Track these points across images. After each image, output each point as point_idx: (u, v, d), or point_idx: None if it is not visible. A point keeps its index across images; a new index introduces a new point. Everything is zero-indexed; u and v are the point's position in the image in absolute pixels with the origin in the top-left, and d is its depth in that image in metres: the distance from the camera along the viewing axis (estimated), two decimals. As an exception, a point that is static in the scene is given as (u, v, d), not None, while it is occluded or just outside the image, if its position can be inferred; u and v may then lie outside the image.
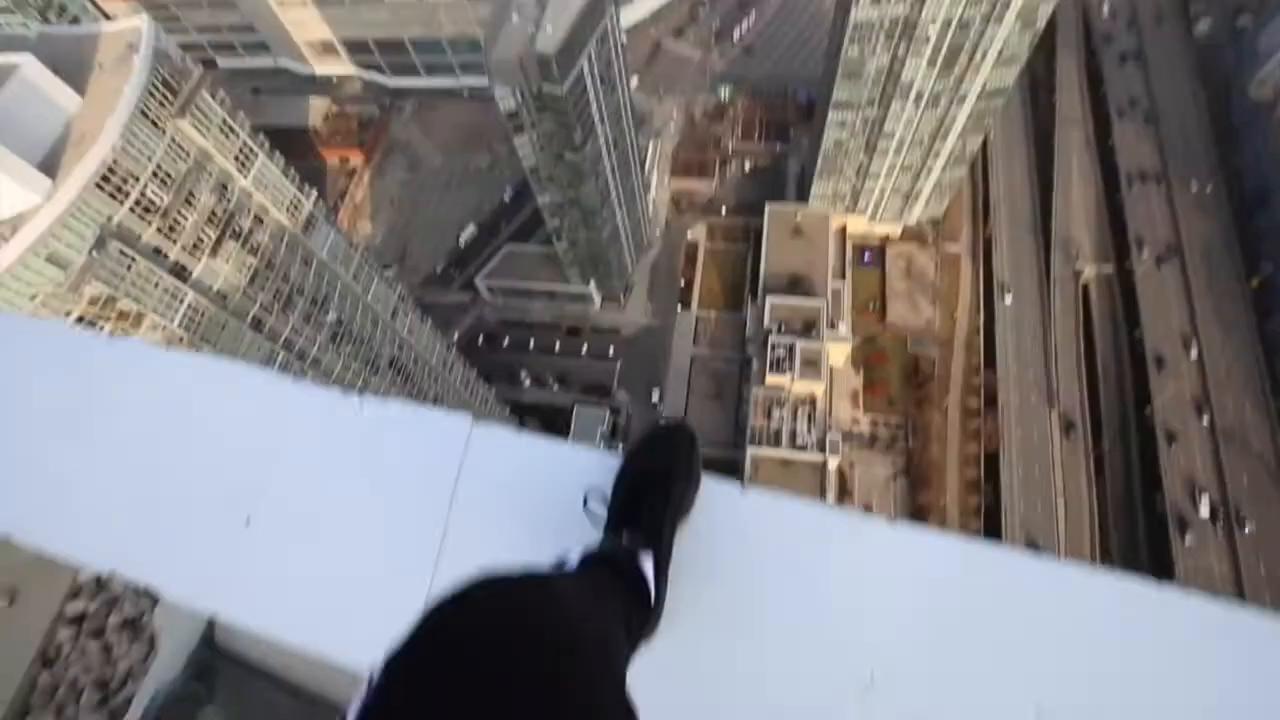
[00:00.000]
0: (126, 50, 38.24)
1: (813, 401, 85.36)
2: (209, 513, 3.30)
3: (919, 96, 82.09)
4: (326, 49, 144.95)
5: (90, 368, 3.74)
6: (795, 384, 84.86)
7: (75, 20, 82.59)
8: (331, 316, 54.97)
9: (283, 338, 49.64)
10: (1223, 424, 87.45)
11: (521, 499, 3.26)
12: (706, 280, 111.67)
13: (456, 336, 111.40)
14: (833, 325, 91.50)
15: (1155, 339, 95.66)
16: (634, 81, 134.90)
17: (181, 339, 41.31)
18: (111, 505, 3.40)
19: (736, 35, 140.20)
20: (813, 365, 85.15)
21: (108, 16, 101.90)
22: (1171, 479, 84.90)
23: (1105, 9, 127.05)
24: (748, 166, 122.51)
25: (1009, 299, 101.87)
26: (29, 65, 35.13)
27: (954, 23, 71.90)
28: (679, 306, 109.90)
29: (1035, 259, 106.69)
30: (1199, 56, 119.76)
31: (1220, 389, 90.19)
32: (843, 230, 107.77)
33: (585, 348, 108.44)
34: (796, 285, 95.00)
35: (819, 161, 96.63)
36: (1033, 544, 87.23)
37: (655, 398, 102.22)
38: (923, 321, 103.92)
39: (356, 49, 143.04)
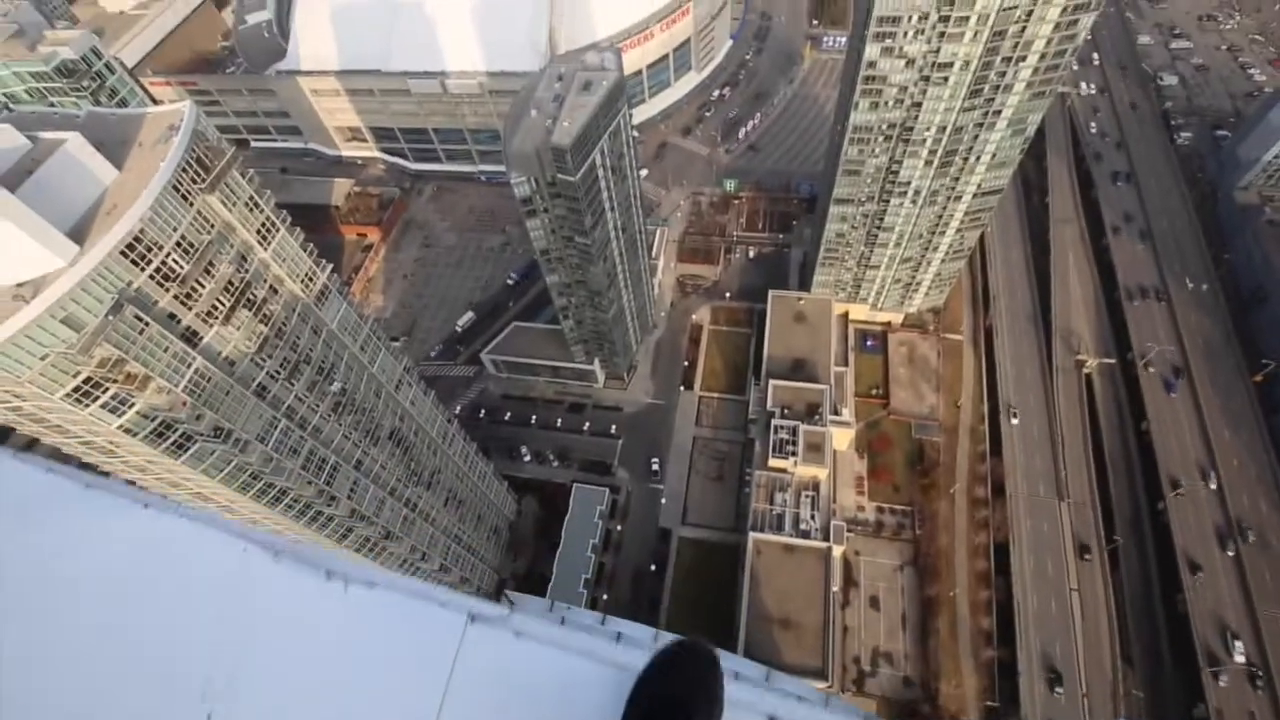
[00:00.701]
0: (167, 131, 40.68)
1: (816, 486, 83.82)
2: (166, 709, 2.98)
3: (917, 194, 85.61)
4: (354, 134, 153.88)
5: (47, 529, 3.41)
6: (798, 468, 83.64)
7: (123, 103, 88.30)
8: (336, 386, 55.30)
9: (285, 405, 49.69)
10: (1244, 544, 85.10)
11: (519, 715, 2.91)
12: (710, 362, 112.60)
13: (459, 409, 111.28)
14: (836, 410, 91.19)
15: (1163, 436, 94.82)
16: (644, 173, 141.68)
17: (185, 402, 41.44)
18: (63, 694, 3.04)
19: (742, 134, 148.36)
20: (816, 449, 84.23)
21: (155, 101, 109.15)
22: (1198, 614, 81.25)
23: (1093, 127, 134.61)
24: (751, 254, 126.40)
25: (1015, 420, 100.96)
26: (74, 141, 37.39)
27: (949, 128, 76.03)
28: (682, 387, 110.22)
29: (1037, 349, 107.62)
30: (1183, 165, 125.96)
31: (1235, 497, 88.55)
32: (845, 317, 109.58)
33: (587, 425, 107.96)
34: (799, 369, 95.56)
35: (821, 251, 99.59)
36: (1049, 643, 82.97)
37: (654, 467, 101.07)
38: (926, 408, 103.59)
39: (382, 135, 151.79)
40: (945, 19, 65.03)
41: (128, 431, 39.55)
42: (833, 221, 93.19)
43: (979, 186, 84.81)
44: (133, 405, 38.83)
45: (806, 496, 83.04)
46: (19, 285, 33.84)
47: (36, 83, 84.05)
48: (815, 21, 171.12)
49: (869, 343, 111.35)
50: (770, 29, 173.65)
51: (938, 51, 67.97)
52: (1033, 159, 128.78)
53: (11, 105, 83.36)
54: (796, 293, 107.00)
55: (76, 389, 36.42)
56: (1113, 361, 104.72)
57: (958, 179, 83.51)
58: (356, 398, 57.85)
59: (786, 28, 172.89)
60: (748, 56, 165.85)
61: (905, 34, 67.44)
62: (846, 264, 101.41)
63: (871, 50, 69.41)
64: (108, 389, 37.46)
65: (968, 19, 64.77)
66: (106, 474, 42.88)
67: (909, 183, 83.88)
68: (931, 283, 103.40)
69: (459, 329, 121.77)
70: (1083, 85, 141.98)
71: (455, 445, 76.50)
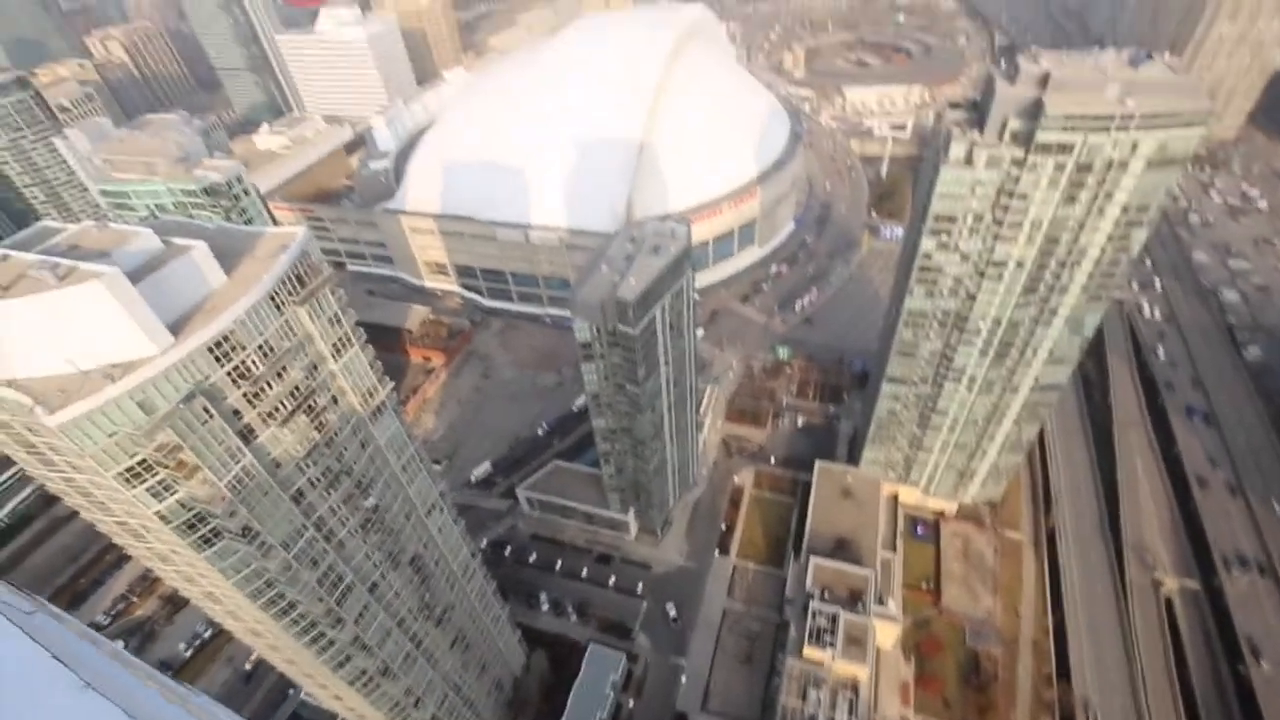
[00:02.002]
0: (279, 248, 45.49)
1: (855, 687, 74.90)
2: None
3: (972, 381, 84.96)
4: (438, 268, 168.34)
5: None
6: (836, 662, 75.49)
7: (249, 221, 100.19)
8: (370, 502, 55.12)
9: (317, 515, 49.48)
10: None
11: None
12: (748, 528, 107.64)
13: (485, 543, 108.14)
14: (881, 600, 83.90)
15: (1268, 694, 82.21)
16: (700, 332, 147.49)
17: (224, 497, 41.87)
18: None
19: (798, 306, 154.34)
20: (857, 644, 76.43)
21: (276, 222, 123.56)
22: None
23: (1160, 352, 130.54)
24: (800, 422, 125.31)
25: (1086, 641, 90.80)
26: (199, 250, 42.12)
27: (1004, 321, 77.02)
28: (717, 551, 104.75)
29: (1106, 561, 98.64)
30: (1255, 381, 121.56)
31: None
32: (894, 499, 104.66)
33: (613, 579, 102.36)
34: (843, 549, 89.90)
35: (872, 427, 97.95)
36: None
37: (672, 614, 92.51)
38: (982, 612, 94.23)
39: (463, 272, 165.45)
40: (999, 222, 68.49)
41: (163, 518, 39.89)
42: (885, 399, 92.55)
43: (1036, 380, 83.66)
44: (175, 493, 39.51)
45: (844, 698, 74.03)
46: (113, 365, 36.40)
47: (185, 199, 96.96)
48: (874, 213, 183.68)
49: (919, 530, 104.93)
50: (831, 216, 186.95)
51: (992, 250, 70.79)
52: (1093, 359, 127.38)
53: (159, 214, 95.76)
54: (844, 466, 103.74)
55: (130, 469, 37.50)
56: (1196, 586, 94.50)
57: (1014, 370, 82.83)
58: (387, 517, 57.29)
59: (846, 217, 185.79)
60: (808, 239, 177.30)
61: (961, 232, 70.97)
62: (898, 443, 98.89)
63: (928, 244, 72.94)
64: (157, 474, 38.42)
65: (1021, 224, 68.01)
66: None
67: (964, 369, 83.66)
68: (988, 473, 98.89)
69: (473, 480, 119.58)
70: (1146, 307, 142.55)
71: (474, 582, 73.35)
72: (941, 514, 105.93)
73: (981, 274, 73.23)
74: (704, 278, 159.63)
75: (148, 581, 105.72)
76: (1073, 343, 79.46)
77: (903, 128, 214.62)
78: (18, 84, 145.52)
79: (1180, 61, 65.79)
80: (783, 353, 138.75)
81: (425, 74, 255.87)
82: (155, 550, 44.14)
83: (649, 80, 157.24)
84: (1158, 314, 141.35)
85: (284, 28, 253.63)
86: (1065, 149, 61.73)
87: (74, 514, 44.49)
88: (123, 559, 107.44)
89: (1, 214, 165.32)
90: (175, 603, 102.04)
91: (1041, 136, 60.85)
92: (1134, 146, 60.70)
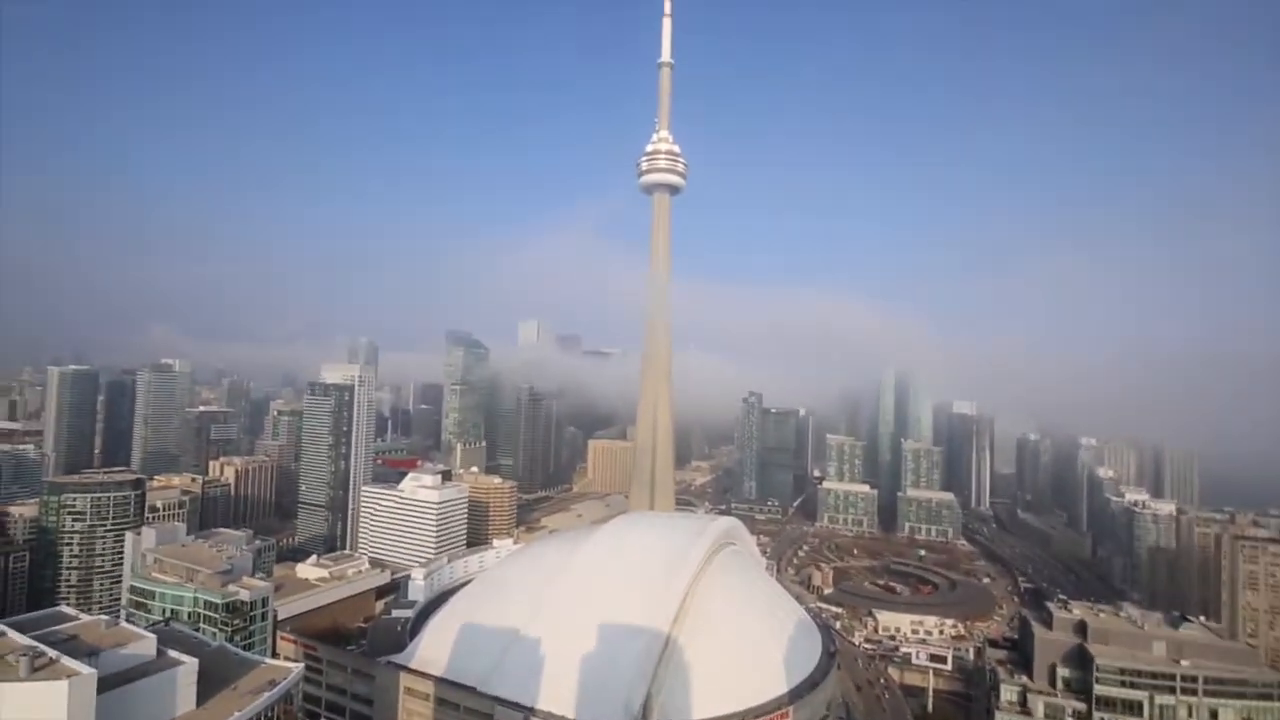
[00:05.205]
0: (267, 684, 42.21)
1: None
2: None
3: None
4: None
5: None
6: None
7: (250, 645, 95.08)
8: None
9: None
10: None
11: None
12: None
13: None
14: None
15: None
16: None
17: None
18: None
19: None
20: None
21: (276, 652, 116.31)
22: None
23: None
24: None
25: None
26: (186, 669, 39.62)
27: None
28: None
29: None
30: None
31: None
32: None
33: None
34: None
35: None
36: None
37: None
38: None
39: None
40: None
41: None
42: None
43: None
44: None
45: None
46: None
47: (204, 610, 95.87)
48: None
49: None
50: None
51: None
52: None
53: (172, 621, 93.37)
54: None
55: None
56: None
57: None
58: None
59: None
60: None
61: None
62: None
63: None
64: None
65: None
66: None
67: None
68: None
69: None
70: None
71: None
72: None
73: None
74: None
75: None
76: None
77: (943, 659, 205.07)
78: (132, 484, 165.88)
79: (1222, 625, 65.34)
80: None
81: (477, 538, 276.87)
82: None
83: (680, 579, 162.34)
84: None
85: (371, 480, 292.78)
86: (1132, 708, 56.33)
87: None
88: None
89: (27, 586, 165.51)
90: None
91: (1101, 690, 56.61)
92: (1213, 715, 55.05)
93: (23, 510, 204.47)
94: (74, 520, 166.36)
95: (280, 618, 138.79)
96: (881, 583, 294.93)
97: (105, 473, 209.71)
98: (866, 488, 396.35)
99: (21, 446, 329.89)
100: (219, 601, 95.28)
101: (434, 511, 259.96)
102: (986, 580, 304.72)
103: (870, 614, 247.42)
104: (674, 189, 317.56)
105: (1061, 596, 66.21)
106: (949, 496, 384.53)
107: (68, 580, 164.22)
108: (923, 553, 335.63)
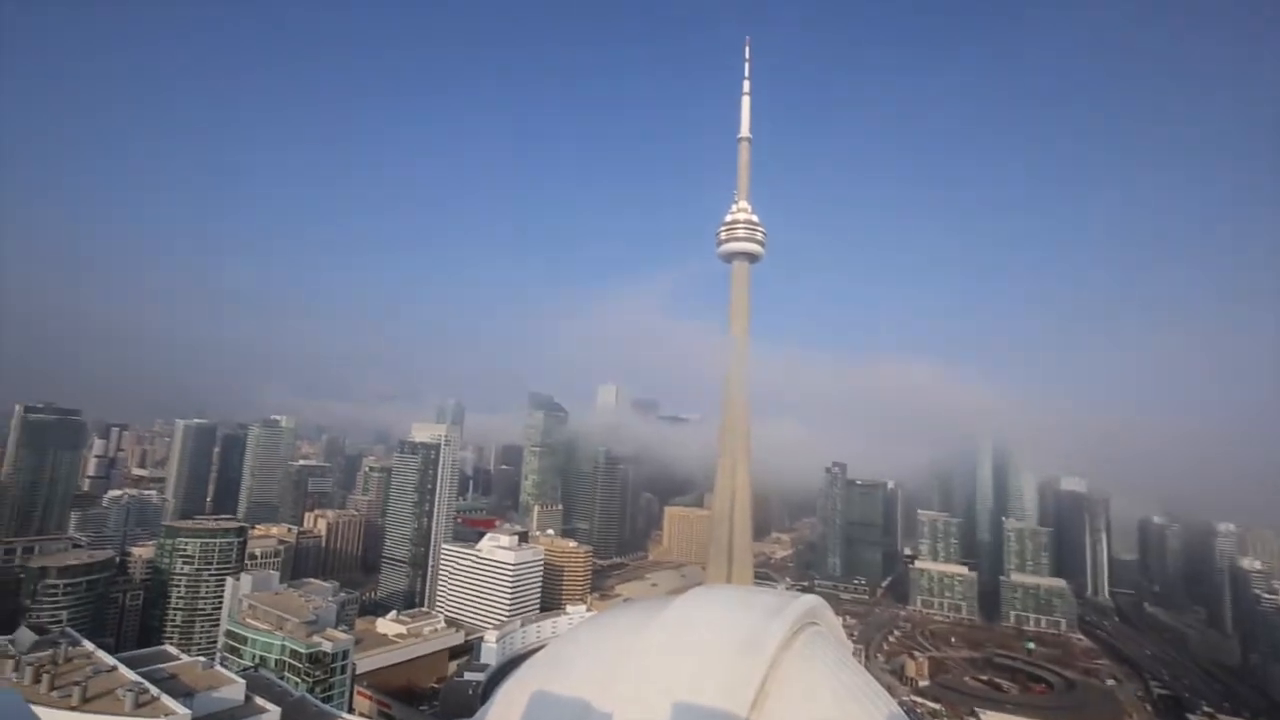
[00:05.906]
0: None
1: None
2: None
3: None
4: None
5: None
6: None
7: (329, 699, 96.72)
8: None
9: None
10: None
11: None
12: None
13: None
14: None
15: None
16: None
17: None
18: None
19: None
20: None
21: (352, 708, 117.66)
22: None
23: None
24: None
25: None
26: (270, 717, 40.98)
27: None
28: None
29: None
30: None
31: None
32: None
33: None
34: None
35: None
36: None
37: None
38: None
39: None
40: None
41: None
42: None
43: None
44: None
45: None
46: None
47: (289, 659, 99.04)
48: None
49: None
50: None
51: None
52: None
53: (260, 667, 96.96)
54: None
55: None
56: None
57: None
58: None
59: None
60: None
61: None
62: None
63: None
64: None
65: None
66: None
67: None
68: None
69: None
70: None
71: None
72: None
73: None
74: None
75: None
76: None
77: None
78: (236, 531, 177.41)
79: None
80: None
81: (551, 601, 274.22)
82: None
83: (759, 662, 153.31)
84: None
85: (451, 539, 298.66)
86: None
87: None
88: None
89: (139, 623, 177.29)
90: None
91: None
92: None
93: (142, 551, 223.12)
94: (184, 563, 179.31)
95: (358, 671, 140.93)
96: (985, 678, 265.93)
97: (214, 519, 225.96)
98: (965, 569, 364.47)
99: (146, 492, 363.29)
100: (304, 651, 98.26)
101: (509, 573, 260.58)
102: (1111, 682, 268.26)
103: (974, 713, 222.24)
104: (753, 257, 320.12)
105: (1207, 708, 56.23)
106: (1061, 584, 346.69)
107: (173, 620, 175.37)
108: (1032, 645, 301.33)
